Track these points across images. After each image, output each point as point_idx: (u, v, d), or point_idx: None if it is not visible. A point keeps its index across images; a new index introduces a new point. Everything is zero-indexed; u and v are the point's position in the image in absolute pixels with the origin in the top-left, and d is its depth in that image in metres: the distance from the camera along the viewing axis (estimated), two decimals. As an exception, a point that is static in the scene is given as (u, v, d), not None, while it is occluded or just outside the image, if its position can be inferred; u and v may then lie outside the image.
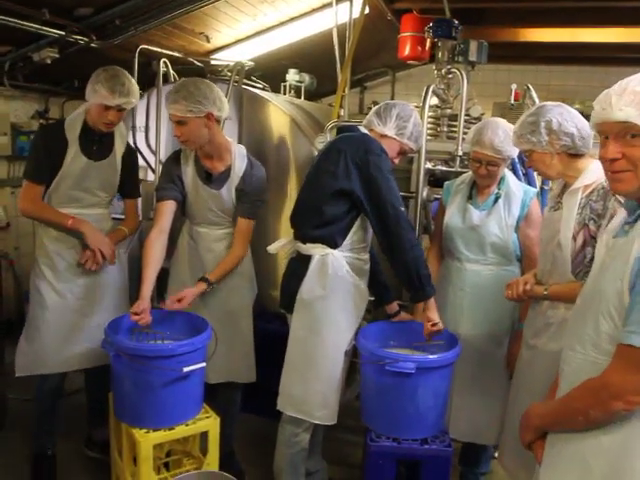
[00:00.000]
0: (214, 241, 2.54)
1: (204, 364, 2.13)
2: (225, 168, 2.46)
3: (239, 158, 2.48)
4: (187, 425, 2.18)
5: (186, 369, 2.03)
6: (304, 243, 2.26)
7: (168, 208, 2.43)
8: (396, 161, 2.34)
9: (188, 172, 2.47)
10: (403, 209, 2.15)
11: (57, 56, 3.44)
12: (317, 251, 2.22)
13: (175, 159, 2.52)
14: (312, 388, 2.24)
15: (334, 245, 2.21)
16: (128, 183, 2.72)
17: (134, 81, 2.49)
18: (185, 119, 2.27)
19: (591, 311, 1.28)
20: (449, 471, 2.19)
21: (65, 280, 2.55)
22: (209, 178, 2.46)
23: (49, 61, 3.45)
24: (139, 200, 2.89)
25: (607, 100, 1.22)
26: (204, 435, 2.27)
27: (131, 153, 2.74)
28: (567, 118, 1.94)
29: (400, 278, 2.22)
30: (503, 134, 2.28)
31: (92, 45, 3.48)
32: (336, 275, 2.20)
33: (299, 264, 2.27)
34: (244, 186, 2.46)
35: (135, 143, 3.58)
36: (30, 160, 2.56)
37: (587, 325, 1.28)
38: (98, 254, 2.49)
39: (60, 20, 3.22)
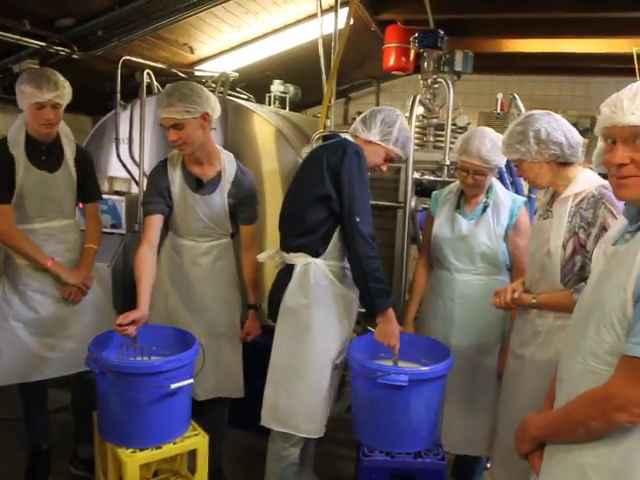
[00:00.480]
0: (200, 255, 2.48)
1: (192, 380, 2.08)
2: (215, 174, 2.42)
3: (229, 163, 2.45)
4: (175, 443, 2.12)
5: (173, 386, 1.98)
6: (288, 252, 2.24)
7: (156, 222, 2.37)
8: (384, 168, 2.31)
9: (176, 181, 2.41)
10: (360, 219, 2.09)
11: (38, 67, 3.38)
12: (299, 260, 2.20)
13: (161, 170, 2.45)
14: (297, 400, 2.20)
15: (315, 254, 2.19)
16: (84, 186, 2.64)
17: (62, 77, 2.42)
18: (182, 121, 2.23)
19: (591, 321, 1.26)
20: (443, 484, 2.16)
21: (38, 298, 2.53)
22: (200, 185, 2.41)
23: (30, 73, 3.40)
24: (97, 204, 2.80)
25: (618, 103, 1.19)
26: (192, 453, 2.21)
27: (83, 154, 2.66)
28: (555, 127, 1.93)
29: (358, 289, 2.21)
30: (490, 143, 2.28)
31: (74, 56, 3.45)
32: (318, 284, 2.18)
33: (284, 274, 2.26)
34: (237, 194, 2.43)
35: (118, 155, 3.54)
36: None
37: (587, 335, 1.26)
38: (82, 287, 2.54)
39: (41, 31, 3.19)
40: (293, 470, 2.30)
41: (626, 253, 1.23)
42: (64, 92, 2.40)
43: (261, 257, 2.42)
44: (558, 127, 1.93)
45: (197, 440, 2.17)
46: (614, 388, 1.18)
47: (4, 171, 2.42)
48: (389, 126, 2.22)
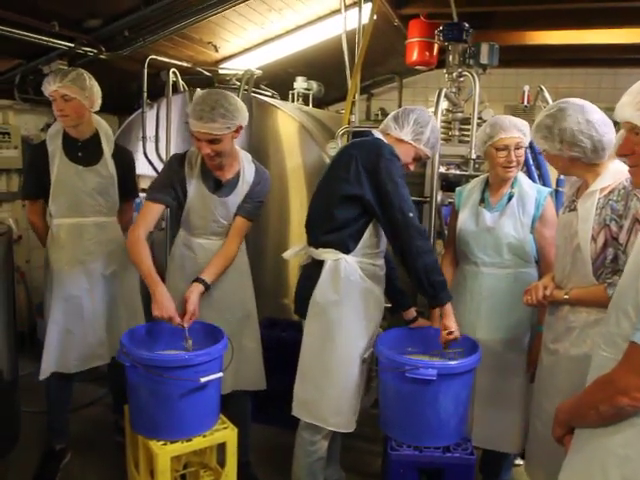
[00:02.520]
0: (215, 252, 2.45)
1: (221, 374, 2.11)
2: (233, 175, 2.42)
3: (247, 165, 2.45)
4: (204, 436, 2.15)
5: (203, 379, 2.01)
6: (317, 248, 2.24)
7: (158, 210, 2.36)
8: (411, 167, 2.31)
9: (193, 181, 2.38)
10: (412, 215, 2.10)
11: (67, 68, 3.44)
12: (329, 256, 2.19)
13: (178, 164, 2.39)
14: (326, 394, 2.21)
15: (346, 250, 2.18)
16: (123, 183, 2.75)
17: (83, 75, 2.53)
18: (222, 137, 2.22)
19: (614, 309, 1.29)
20: (472, 479, 2.15)
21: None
22: (218, 187, 2.40)
23: (59, 73, 3.46)
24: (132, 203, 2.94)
25: (622, 99, 1.29)
26: (221, 446, 2.24)
27: (122, 153, 2.76)
28: (584, 129, 1.85)
29: (414, 284, 2.20)
30: (515, 120, 2.32)
31: (101, 56, 3.50)
32: (349, 280, 2.18)
33: (313, 269, 2.25)
34: (251, 194, 2.44)
35: (145, 153, 3.60)
36: (22, 179, 2.74)
37: (610, 323, 1.30)
38: None
39: (69, 32, 3.24)
40: (320, 464, 2.32)
41: None
42: (75, 86, 2.47)
43: (287, 254, 2.43)
44: (588, 128, 1.85)
45: (226, 433, 2.19)
46: (617, 372, 1.22)
47: (39, 168, 2.57)
48: (422, 126, 2.22)
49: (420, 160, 2.34)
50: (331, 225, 2.19)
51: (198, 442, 2.13)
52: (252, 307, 2.62)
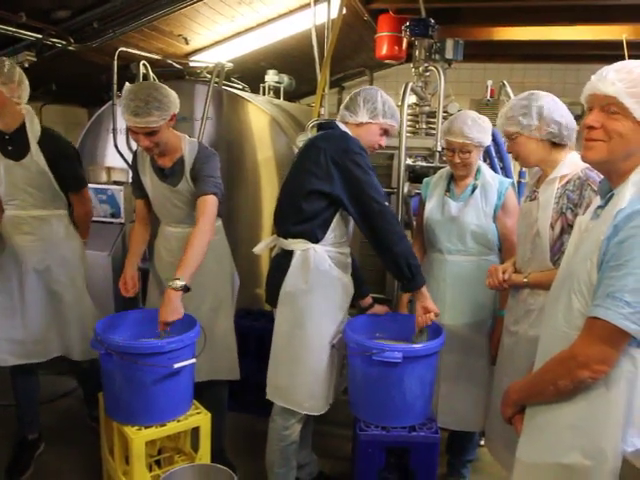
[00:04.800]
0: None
1: (194, 360, 2.15)
2: (174, 162, 2.43)
3: (190, 150, 2.43)
4: (178, 421, 2.19)
5: (176, 365, 2.05)
6: (286, 239, 2.29)
7: (142, 205, 2.60)
8: (383, 143, 2.35)
9: (146, 173, 2.48)
10: (387, 203, 2.18)
11: (35, 60, 3.42)
12: (299, 246, 2.24)
13: (134, 162, 2.56)
14: (298, 380, 2.27)
15: (315, 240, 2.23)
16: (59, 175, 2.60)
17: (2, 59, 2.44)
18: (158, 128, 2.25)
19: (564, 290, 1.37)
20: (437, 457, 2.24)
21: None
22: (163, 173, 2.45)
23: (27, 65, 3.42)
24: (86, 189, 2.76)
25: (604, 73, 1.30)
26: (195, 433, 2.28)
27: (50, 142, 2.56)
28: (557, 107, 2.01)
29: (391, 271, 2.28)
30: (472, 122, 2.37)
31: (70, 48, 3.48)
32: (318, 269, 2.23)
33: (282, 260, 2.30)
34: (194, 168, 2.41)
35: (116, 145, 3.59)
36: None
37: (560, 302, 1.37)
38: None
39: (37, 23, 3.21)
40: (293, 448, 2.38)
41: (594, 227, 1.34)
42: None
43: (258, 249, 2.45)
44: (558, 108, 2.01)
45: (199, 418, 2.24)
46: (577, 347, 1.29)
47: None
48: (372, 102, 2.27)
49: (388, 133, 2.36)
50: (300, 217, 2.22)
51: (172, 427, 2.17)
52: (225, 297, 2.64)
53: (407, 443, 2.20)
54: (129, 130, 2.31)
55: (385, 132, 2.34)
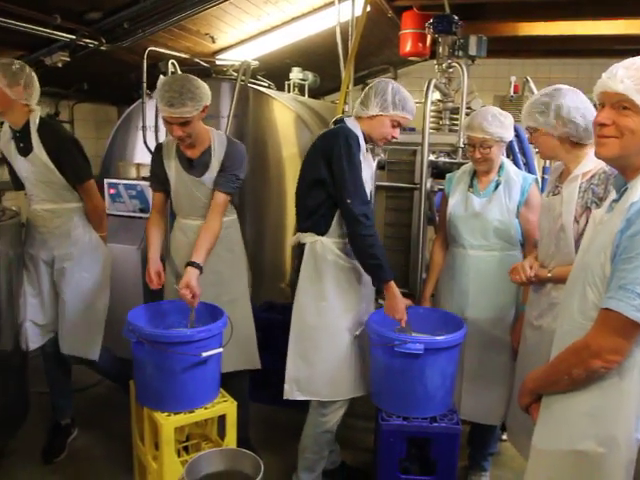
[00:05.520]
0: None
1: (221, 349, 2.23)
2: (203, 151, 2.50)
3: (218, 142, 2.51)
4: (206, 408, 2.27)
5: (205, 354, 2.13)
6: (301, 232, 2.42)
7: (160, 198, 2.65)
8: (396, 135, 2.38)
9: (171, 165, 2.54)
10: (350, 201, 2.21)
11: (68, 60, 3.53)
12: (308, 239, 2.37)
13: (157, 156, 2.60)
14: (316, 368, 2.35)
15: (321, 232, 2.34)
16: (63, 169, 2.62)
17: (9, 61, 2.49)
18: (191, 118, 2.34)
19: (579, 281, 1.40)
20: (458, 448, 2.28)
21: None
22: (192, 166, 2.52)
23: (60, 65, 3.54)
24: (90, 182, 2.73)
25: (614, 70, 1.32)
26: (221, 421, 2.36)
27: (48, 135, 2.57)
28: (578, 106, 1.99)
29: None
30: (492, 117, 2.39)
31: (102, 48, 3.58)
32: (324, 260, 2.33)
33: (299, 252, 2.42)
34: (223, 161, 2.50)
35: (145, 142, 3.69)
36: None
37: (575, 295, 1.41)
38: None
39: (71, 24, 3.32)
40: (327, 437, 2.46)
41: (609, 220, 1.37)
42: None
43: (292, 242, 2.55)
44: (579, 107, 1.99)
45: (226, 406, 2.32)
46: (591, 338, 1.33)
47: (6, 159, 2.71)
48: (382, 95, 2.30)
49: (400, 125, 2.38)
50: (305, 211, 2.38)
51: (200, 414, 2.26)
52: (242, 291, 2.70)
53: (428, 433, 2.24)
54: (163, 121, 2.39)
55: (398, 124, 2.36)
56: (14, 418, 2.78)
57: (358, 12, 3.50)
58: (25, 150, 2.59)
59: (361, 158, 2.27)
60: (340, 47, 3.58)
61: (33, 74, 2.54)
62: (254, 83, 4.06)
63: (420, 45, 4.43)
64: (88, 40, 3.49)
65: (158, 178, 2.60)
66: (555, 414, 1.45)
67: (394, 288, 2.30)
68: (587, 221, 1.95)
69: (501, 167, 2.52)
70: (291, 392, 2.40)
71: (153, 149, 3.21)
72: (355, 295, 2.40)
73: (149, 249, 2.54)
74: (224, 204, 2.52)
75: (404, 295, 2.64)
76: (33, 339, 2.75)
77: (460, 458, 2.35)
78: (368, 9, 3.47)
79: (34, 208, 2.70)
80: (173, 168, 2.54)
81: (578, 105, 1.99)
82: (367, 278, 2.38)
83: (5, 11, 2.97)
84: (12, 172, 2.75)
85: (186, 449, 2.45)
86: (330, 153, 2.24)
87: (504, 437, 2.95)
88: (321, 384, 2.34)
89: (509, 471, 2.88)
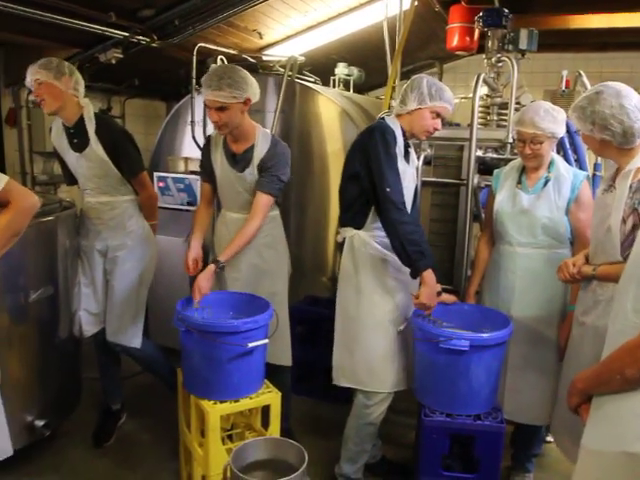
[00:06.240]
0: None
1: (267, 341, 2.27)
2: (247, 148, 2.54)
3: (262, 140, 2.54)
4: (251, 398, 2.32)
5: (250, 345, 2.17)
6: (342, 227, 2.48)
7: (207, 189, 2.72)
8: (438, 126, 2.37)
9: (217, 158, 2.60)
10: (389, 189, 2.22)
11: (121, 56, 3.64)
12: (347, 233, 2.43)
13: (206, 148, 2.67)
14: (357, 358, 2.40)
15: (357, 226, 2.39)
16: (118, 163, 2.70)
17: (51, 61, 2.53)
18: (227, 105, 2.36)
19: (633, 281, 1.36)
20: (502, 447, 2.25)
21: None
22: (234, 158, 2.56)
23: (114, 61, 3.66)
24: (144, 174, 2.82)
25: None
26: (265, 411, 2.40)
27: (104, 130, 2.65)
28: (616, 113, 1.87)
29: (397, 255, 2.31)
30: (544, 112, 2.33)
31: (153, 45, 3.67)
32: (362, 253, 2.37)
33: (340, 246, 2.48)
34: (265, 160, 2.51)
35: (194, 136, 3.77)
36: None
37: (629, 293, 1.36)
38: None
39: (124, 22, 3.42)
40: (370, 430, 2.48)
41: None
42: (39, 69, 2.49)
43: (338, 238, 2.55)
44: (620, 113, 1.87)
45: (271, 396, 2.35)
46: None
47: (59, 155, 2.81)
48: (418, 89, 2.32)
49: (440, 116, 2.37)
50: (344, 205, 2.45)
51: (245, 403, 2.30)
52: (282, 286, 2.73)
53: (472, 431, 2.23)
54: (205, 105, 2.47)
55: (437, 115, 2.35)
56: (68, 401, 2.91)
57: (406, 6, 3.48)
58: (80, 146, 2.66)
59: (396, 151, 2.29)
60: (387, 42, 3.57)
61: (73, 67, 2.63)
62: (300, 78, 4.09)
63: (467, 39, 4.37)
64: (140, 37, 3.59)
65: (206, 169, 2.66)
66: (606, 414, 1.42)
67: (432, 276, 2.25)
68: (634, 222, 1.87)
69: (551, 163, 2.47)
70: (337, 378, 2.48)
71: (200, 144, 3.28)
72: (393, 286, 2.40)
73: (192, 236, 2.62)
74: (266, 205, 2.52)
75: (448, 292, 2.64)
76: (87, 327, 2.85)
77: (503, 458, 2.33)
78: (415, 3, 3.45)
79: (88, 201, 2.80)
80: (219, 161, 2.60)
81: (614, 112, 1.87)
82: (403, 269, 2.34)
83: (61, 9, 3.08)
84: (64, 168, 2.86)
85: (230, 437, 2.50)
86: (366, 147, 2.28)
87: (549, 438, 2.90)
88: (363, 374, 2.39)
89: (554, 474, 2.82)
